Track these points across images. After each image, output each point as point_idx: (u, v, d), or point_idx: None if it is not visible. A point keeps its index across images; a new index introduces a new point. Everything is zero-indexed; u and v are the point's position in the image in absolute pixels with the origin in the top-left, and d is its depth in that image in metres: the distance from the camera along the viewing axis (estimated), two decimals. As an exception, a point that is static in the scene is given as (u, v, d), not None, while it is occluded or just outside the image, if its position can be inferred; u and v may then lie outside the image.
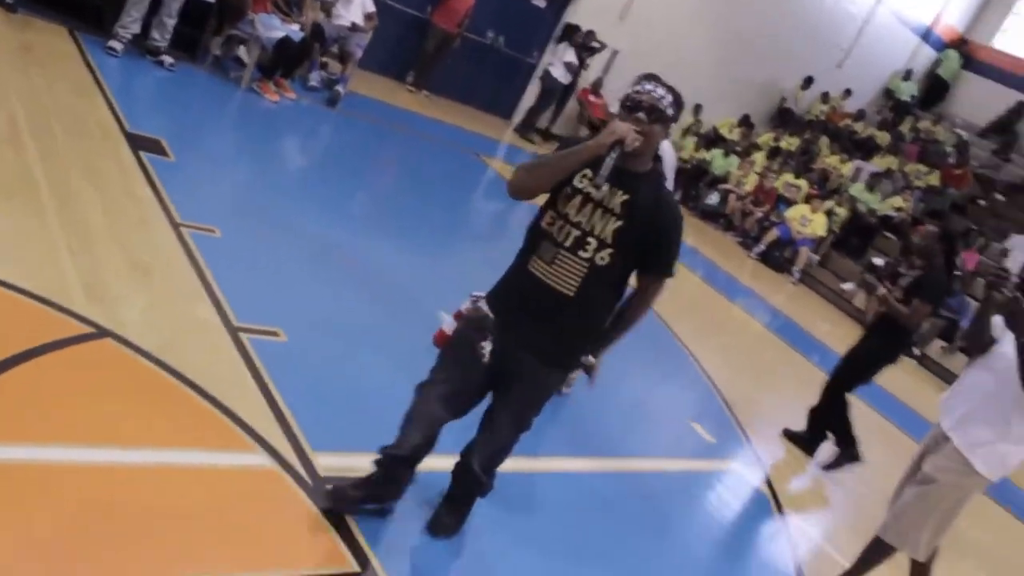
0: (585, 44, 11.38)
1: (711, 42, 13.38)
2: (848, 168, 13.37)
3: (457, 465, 2.83)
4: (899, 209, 12.33)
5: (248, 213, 5.06)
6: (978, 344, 3.49)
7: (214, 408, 3.06)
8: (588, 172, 2.39)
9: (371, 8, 8.74)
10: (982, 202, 13.30)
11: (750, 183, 12.41)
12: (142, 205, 4.39)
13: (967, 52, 17.04)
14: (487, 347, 2.52)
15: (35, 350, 2.90)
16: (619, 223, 2.35)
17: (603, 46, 11.71)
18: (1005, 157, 14.60)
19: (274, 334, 3.73)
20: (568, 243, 2.37)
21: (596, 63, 12.19)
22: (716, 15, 13.13)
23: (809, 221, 11.54)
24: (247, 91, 7.40)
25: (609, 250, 2.36)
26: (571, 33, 11.37)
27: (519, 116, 12.04)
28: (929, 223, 3.31)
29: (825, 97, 15.60)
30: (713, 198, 12.47)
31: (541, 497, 3.58)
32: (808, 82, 15.19)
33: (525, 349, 2.49)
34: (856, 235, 12.05)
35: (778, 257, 11.47)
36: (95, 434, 2.72)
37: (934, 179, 13.61)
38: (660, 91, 2.37)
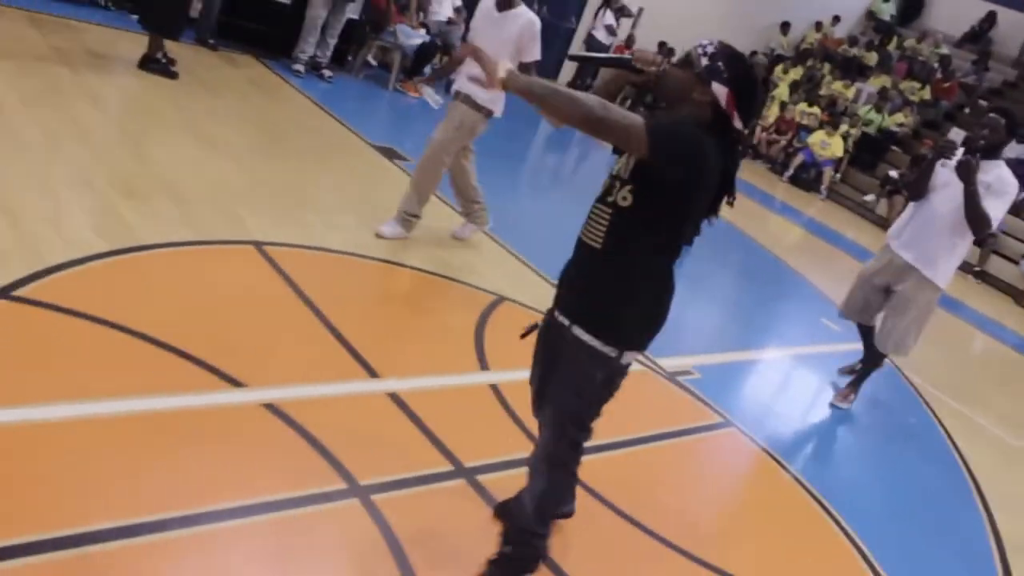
0: (622, 8, 12.84)
1: (720, -10, 14.88)
2: (851, 91, 15.03)
3: (499, 507, 2.73)
4: (901, 125, 14.07)
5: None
6: (919, 192, 4.57)
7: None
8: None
9: (459, 2, 10.15)
10: (967, 110, 15.08)
11: (772, 115, 14.04)
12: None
13: (937, -33, 18.59)
14: (538, 323, 2.46)
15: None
16: (641, 159, 2.10)
17: (640, 12, 13.18)
18: (984, 66, 16.32)
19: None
20: (601, 192, 2.24)
21: (625, 22, 13.67)
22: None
23: (828, 144, 13.23)
24: (393, 92, 8.87)
25: (629, 187, 2.15)
26: (609, 1, 12.82)
27: (565, 77, 13.53)
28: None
29: (818, 26, 17.16)
30: (741, 132, 14.11)
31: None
32: (785, 26, 16.74)
33: (563, 313, 2.32)
34: (868, 152, 13.77)
35: (806, 178, 13.20)
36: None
37: (926, 93, 15.34)
38: (705, 42, 2.17)
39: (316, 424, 2.93)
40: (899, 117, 14.15)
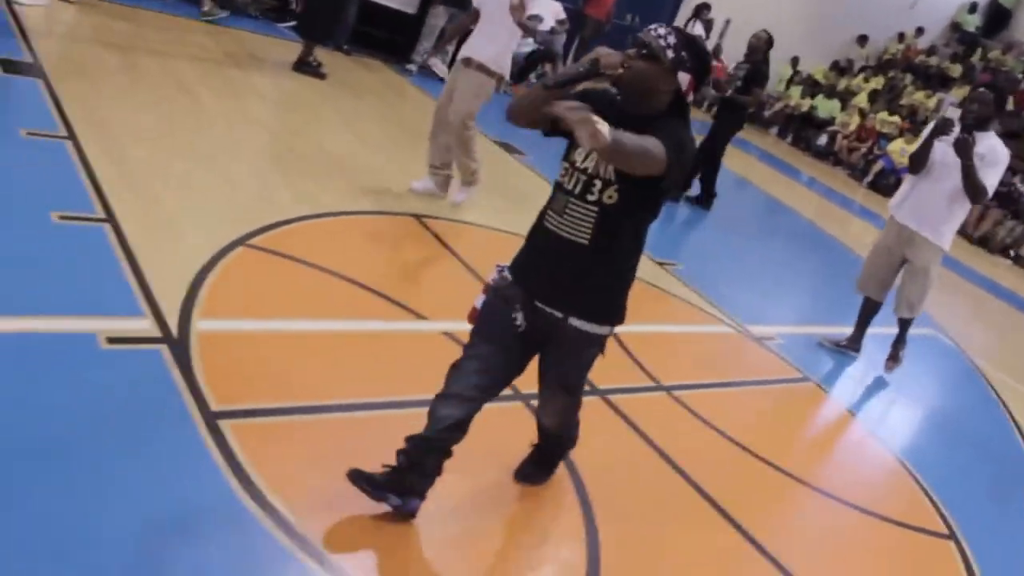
0: (710, 21, 13.51)
1: (804, 2, 15.39)
2: (932, 101, 15.38)
3: (539, 427, 2.85)
4: (982, 134, 14.38)
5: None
6: (919, 165, 4.91)
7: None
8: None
9: (562, 15, 10.96)
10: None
11: (853, 123, 14.52)
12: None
13: (1027, -21, 18.74)
14: (519, 317, 2.44)
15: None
16: None
17: (727, 23, 13.84)
18: (1069, 78, 16.45)
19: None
20: (577, 189, 2.28)
21: (713, 32, 14.34)
22: (808, -23, 15.14)
23: (907, 152, 13.64)
24: (503, 94, 9.73)
25: (615, 187, 2.24)
26: (699, 11, 13.49)
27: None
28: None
29: (901, 37, 17.51)
30: (822, 139, 14.63)
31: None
32: (863, 39, 17.09)
33: (553, 306, 2.39)
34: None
35: (886, 184, 13.64)
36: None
37: (1009, 105, 15.56)
38: (663, 31, 2.24)
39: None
40: (980, 127, 14.45)
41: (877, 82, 16.00)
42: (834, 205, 11.33)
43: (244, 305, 3.55)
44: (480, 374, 2.45)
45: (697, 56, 2.26)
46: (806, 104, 15.27)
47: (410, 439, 2.47)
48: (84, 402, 2.62)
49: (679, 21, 14.03)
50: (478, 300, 2.56)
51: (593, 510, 2.96)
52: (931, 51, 17.59)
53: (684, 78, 2.25)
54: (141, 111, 5.13)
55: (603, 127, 1.94)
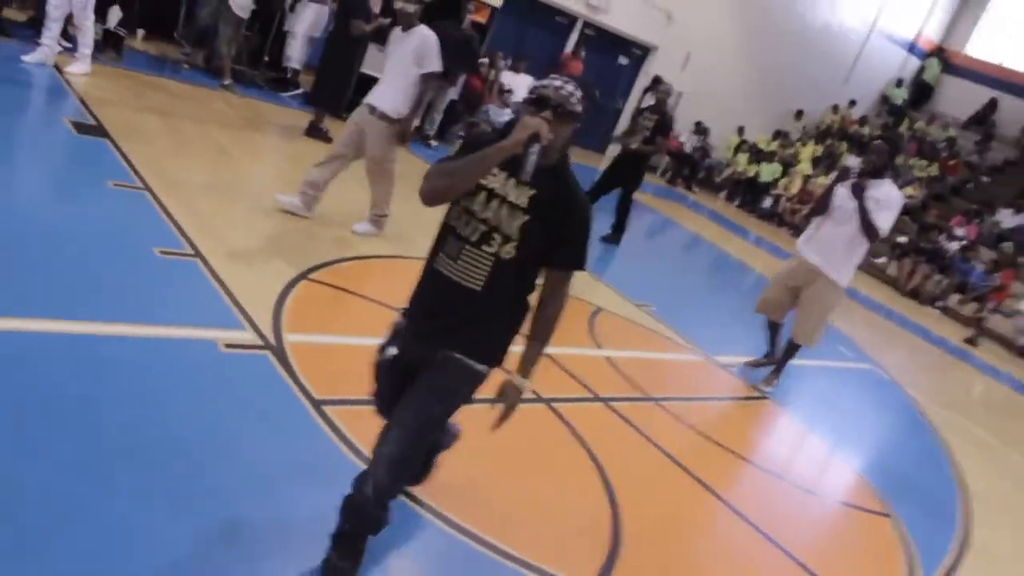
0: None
1: (748, 78, 16.86)
2: (866, 167, 16.79)
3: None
4: (911, 197, 15.78)
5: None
6: (822, 209, 5.35)
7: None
8: (495, 170, 2.29)
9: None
10: (971, 185, 16.80)
11: (795, 186, 15.83)
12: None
13: (945, 59, 20.58)
14: (390, 351, 2.50)
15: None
16: (526, 218, 2.28)
17: (680, 95, 15.11)
18: (987, 147, 18.10)
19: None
20: (474, 238, 2.31)
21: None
22: (750, 56, 16.61)
23: (845, 212, 14.93)
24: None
25: (515, 243, 2.29)
26: (655, 84, 14.74)
27: (613, 150, 15.39)
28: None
29: (835, 108, 19.07)
30: (767, 202, 15.90)
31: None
32: (799, 114, 18.59)
33: (437, 346, 2.40)
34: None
35: (825, 242, 14.88)
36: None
37: (933, 170, 17.10)
38: (568, 87, 2.30)
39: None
40: (909, 191, 15.87)
41: (816, 149, 17.42)
42: (780, 260, 12.43)
43: (319, 323, 4.36)
44: (386, 414, 2.59)
45: (589, 97, 2.65)
46: (752, 170, 16.57)
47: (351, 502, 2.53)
48: (217, 390, 3.39)
49: (636, 93, 15.30)
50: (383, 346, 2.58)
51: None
52: (863, 121, 19.15)
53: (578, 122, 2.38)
54: (193, 168, 5.93)
55: (517, 382, 2.43)
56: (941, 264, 13.77)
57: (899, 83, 20.23)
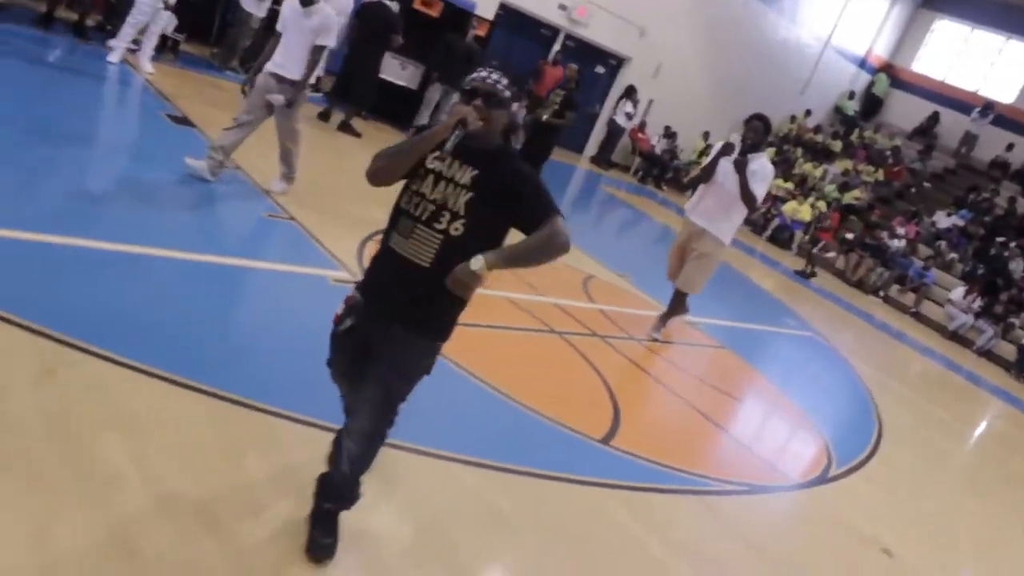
0: (636, 100, 16.26)
1: (714, 86, 18.40)
2: (819, 171, 18.46)
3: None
4: (858, 199, 17.46)
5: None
6: (708, 177, 5.99)
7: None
8: (438, 152, 2.43)
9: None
10: (913, 189, 18.54)
11: (754, 187, 17.43)
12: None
13: (893, 74, 22.36)
14: (347, 322, 2.60)
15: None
16: (470, 194, 2.40)
17: (650, 103, 16.60)
18: (928, 156, 19.87)
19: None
20: (424, 217, 2.43)
21: (639, 109, 17.12)
22: (715, 67, 18.16)
23: (798, 212, 16.54)
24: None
25: (462, 220, 2.40)
26: (629, 92, 16.25)
27: (590, 151, 16.87)
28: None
29: (793, 118, 20.73)
30: (729, 199, 17.48)
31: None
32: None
33: (389, 320, 2.52)
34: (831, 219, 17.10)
35: (780, 238, 16.47)
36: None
37: (879, 175, 18.80)
38: (495, 76, 2.44)
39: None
40: (856, 193, 17.55)
41: (772, 154, 19.04)
42: (741, 252, 13.97)
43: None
44: (346, 380, 2.77)
45: (516, 82, 2.50)
46: (716, 171, 18.14)
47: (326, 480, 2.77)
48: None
49: (611, 100, 16.77)
50: (340, 308, 2.67)
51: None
52: (817, 130, 20.83)
53: (514, 106, 2.50)
54: (266, 154, 7.23)
55: (476, 263, 2.35)
56: (883, 259, 15.41)
57: (851, 95, 21.96)
